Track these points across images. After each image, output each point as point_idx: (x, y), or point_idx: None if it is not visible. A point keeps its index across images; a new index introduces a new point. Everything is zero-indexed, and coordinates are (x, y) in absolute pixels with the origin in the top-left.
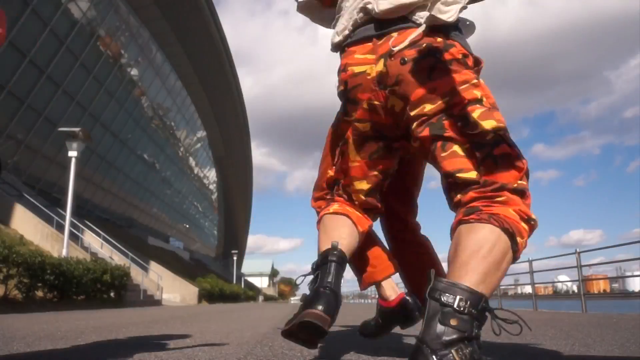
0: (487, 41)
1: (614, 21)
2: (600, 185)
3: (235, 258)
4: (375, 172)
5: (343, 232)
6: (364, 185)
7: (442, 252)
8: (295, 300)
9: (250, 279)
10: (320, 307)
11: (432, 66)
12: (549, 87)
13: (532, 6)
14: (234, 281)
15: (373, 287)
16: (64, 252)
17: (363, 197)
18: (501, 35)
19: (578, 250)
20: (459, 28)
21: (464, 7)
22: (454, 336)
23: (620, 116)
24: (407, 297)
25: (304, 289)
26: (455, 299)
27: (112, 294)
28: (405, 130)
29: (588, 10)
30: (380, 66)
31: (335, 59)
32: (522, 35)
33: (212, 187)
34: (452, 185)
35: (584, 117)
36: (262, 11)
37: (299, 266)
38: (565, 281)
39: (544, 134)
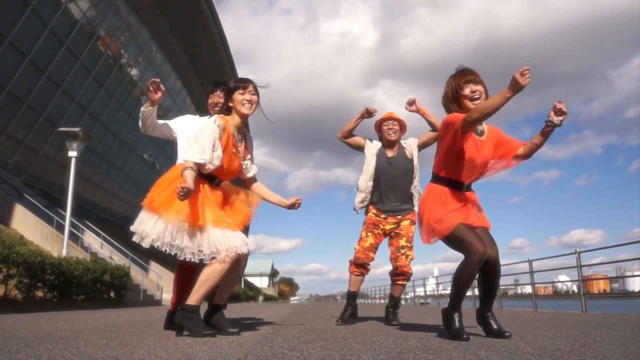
0: (489, 39)
1: (616, 20)
2: (602, 185)
3: None
4: None
5: None
6: None
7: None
8: (295, 300)
9: (250, 279)
10: None
11: None
12: (551, 86)
13: (534, 4)
14: None
15: (373, 289)
16: (64, 252)
17: None
18: (503, 33)
19: (578, 250)
20: None
21: None
22: None
23: (623, 116)
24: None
25: (304, 289)
26: None
27: (112, 294)
28: None
29: (590, 9)
30: None
31: (336, 58)
32: (524, 34)
33: None
34: None
35: (586, 116)
36: (264, 10)
37: (299, 266)
38: (565, 281)
39: None
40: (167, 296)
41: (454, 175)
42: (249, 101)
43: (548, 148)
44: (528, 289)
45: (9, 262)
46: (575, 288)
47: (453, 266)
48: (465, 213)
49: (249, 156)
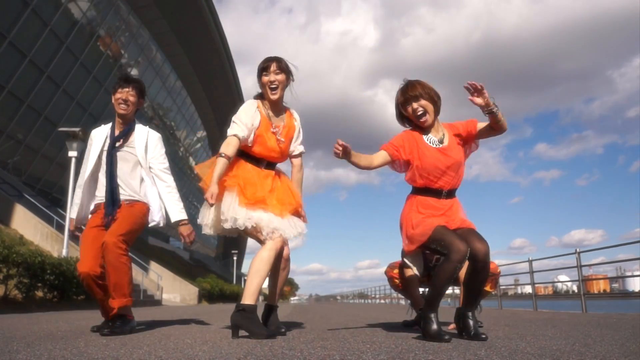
0: (490, 39)
1: (617, 20)
2: (603, 185)
3: (235, 258)
4: None
5: None
6: None
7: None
8: (295, 300)
9: None
10: None
11: None
12: (552, 86)
13: (535, 4)
14: (234, 281)
15: (372, 289)
16: (64, 252)
17: None
18: (504, 33)
19: (578, 250)
20: None
21: None
22: None
23: (624, 115)
24: None
25: (304, 289)
26: None
27: None
28: None
29: (591, 8)
30: None
31: (337, 58)
32: (525, 33)
33: None
34: None
35: (587, 116)
36: (264, 9)
37: (299, 266)
38: (565, 281)
39: (547, 133)
40: (167, 296)
41: (428, 183)
42: (273, 82)
43: (549, 148)
44: (528, 289)
45: (9, 262)
46: (575, 288)
47: None
48: (445, 219)
49: (293, 136)
